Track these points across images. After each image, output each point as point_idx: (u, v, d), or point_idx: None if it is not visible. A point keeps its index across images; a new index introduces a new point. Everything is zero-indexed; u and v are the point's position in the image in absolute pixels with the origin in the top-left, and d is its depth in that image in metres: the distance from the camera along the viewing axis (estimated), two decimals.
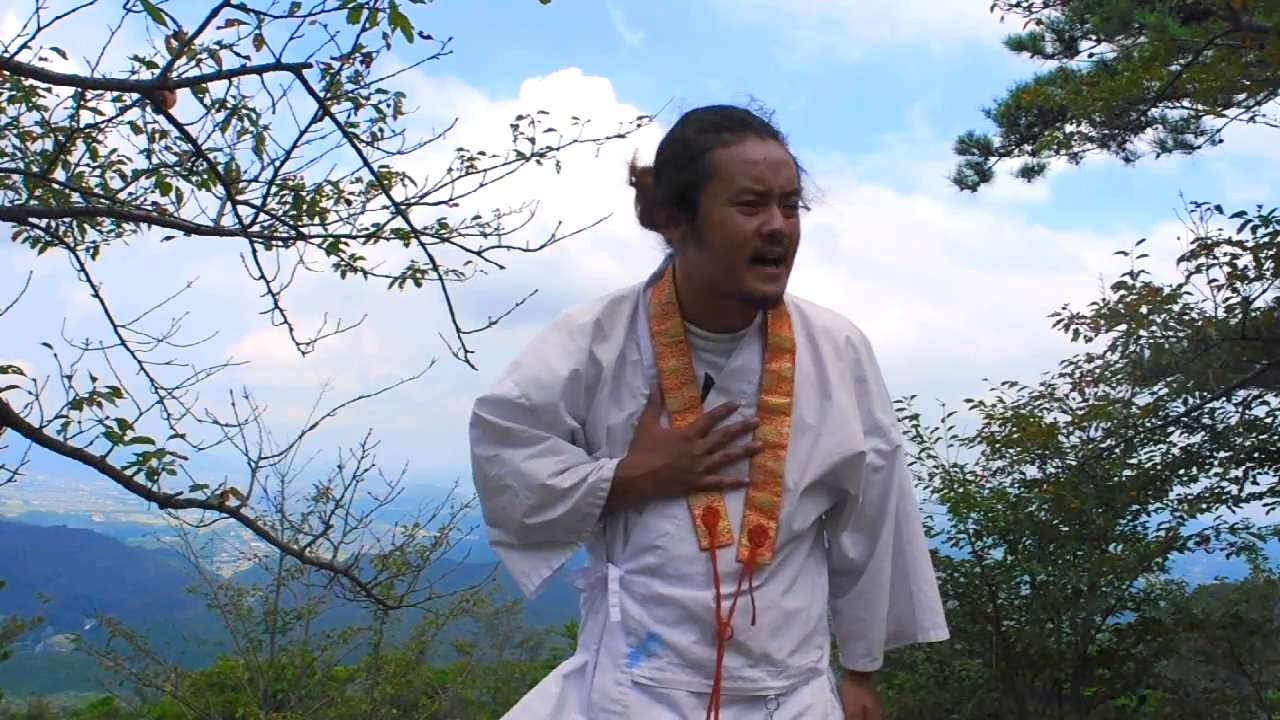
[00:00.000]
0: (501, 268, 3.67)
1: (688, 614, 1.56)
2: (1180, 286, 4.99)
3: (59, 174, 3.33)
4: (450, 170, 3.56)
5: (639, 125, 3.65)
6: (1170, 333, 5.21)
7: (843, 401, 1.64)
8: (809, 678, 1.64)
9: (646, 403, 1.61)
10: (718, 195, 1.49)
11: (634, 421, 1.61)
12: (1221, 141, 7.70)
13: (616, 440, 1.61)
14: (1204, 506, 5.78)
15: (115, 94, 3.14)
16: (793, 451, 1.59)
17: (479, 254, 3.65)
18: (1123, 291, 5.10)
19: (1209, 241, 4.60)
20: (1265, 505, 5.80)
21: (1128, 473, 5.92)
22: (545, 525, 1.61)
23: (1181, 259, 4.74)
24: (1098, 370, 6.11)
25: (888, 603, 1.75)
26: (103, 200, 3.44)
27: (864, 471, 1.65)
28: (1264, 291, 4.61)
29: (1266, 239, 4.49)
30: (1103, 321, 5.22)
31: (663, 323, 1.60)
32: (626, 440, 1.61)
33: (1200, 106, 6.56)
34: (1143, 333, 5.23)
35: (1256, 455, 5.75)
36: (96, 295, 3.34)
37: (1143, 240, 4.99)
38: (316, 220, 3.60)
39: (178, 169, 3.46)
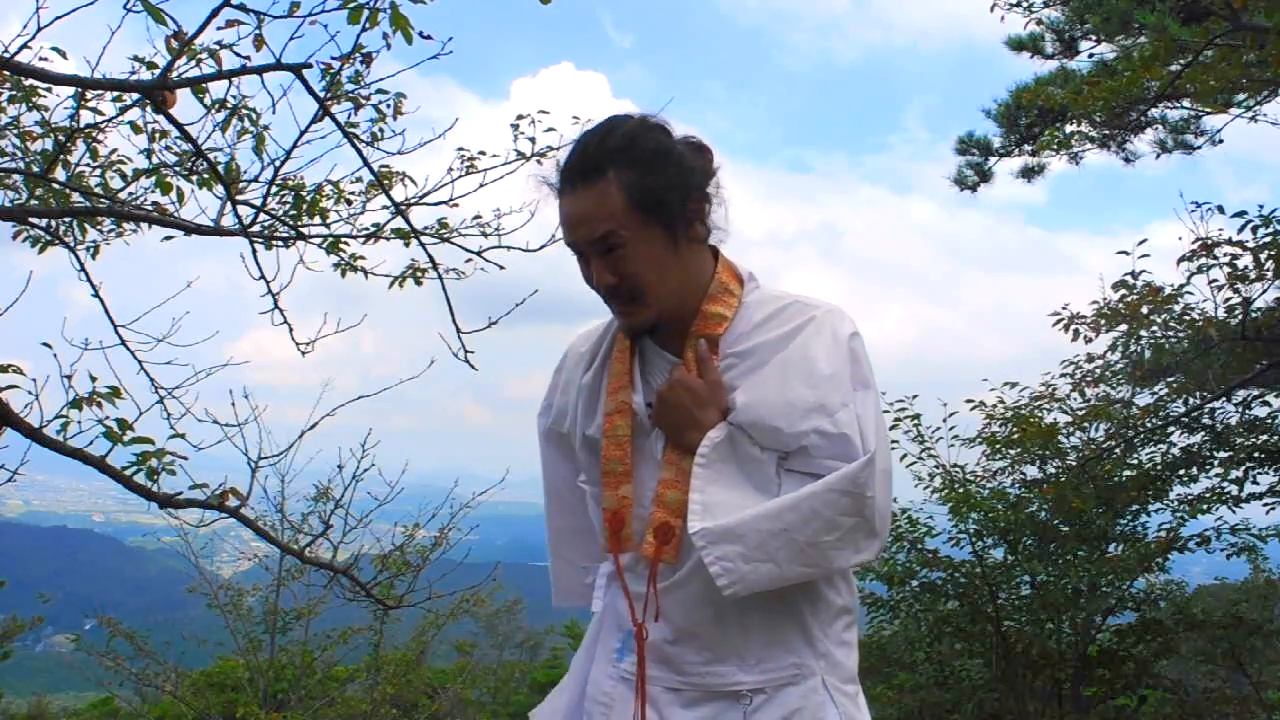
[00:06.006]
0: (501, 268, 3.66)
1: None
2: (1181, 287, 5.00)
3: (59, 174, 3.33)
4: (450, 170, 3.56)
5: None
6: (1171, 333, 5.21)
7: (770, 407, 1.48)
8: (798, 677, 1.52)
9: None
10: None
11: (600, 432, 1.61)
12: (1221, 142, 7.70)
13: (592, 452, 1.63)
14: (1204, 507, 5.78)
15: (115, 94, 3.14)
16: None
17: (479, 254, 3.65)
18: (1123, 291, 5.11)
19: (1209, 242, 4.60)
20: (1265, 505, 5.81)
21: (1128, 473, 5.92)
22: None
23: (1182, 259, 4.74)
24: (1098, 370, 6.11)
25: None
26: (103, 200, 3.44)
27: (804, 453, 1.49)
28: (1264, 292, 4.62)
29: (1267, 239, 4.49)
30: (1103, 322, 5.23)
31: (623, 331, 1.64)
32: (597, 451, 1.62)
33: (1200, 106, 6.56)
34: (1143, 333, 5.24)
35: (1257, 455, 5.76)
36: (96, 295, 3.33)
37: (1144, 241, 5.00)
38: (317, 220, 3.59)
39: (178, 169, 3.46)
